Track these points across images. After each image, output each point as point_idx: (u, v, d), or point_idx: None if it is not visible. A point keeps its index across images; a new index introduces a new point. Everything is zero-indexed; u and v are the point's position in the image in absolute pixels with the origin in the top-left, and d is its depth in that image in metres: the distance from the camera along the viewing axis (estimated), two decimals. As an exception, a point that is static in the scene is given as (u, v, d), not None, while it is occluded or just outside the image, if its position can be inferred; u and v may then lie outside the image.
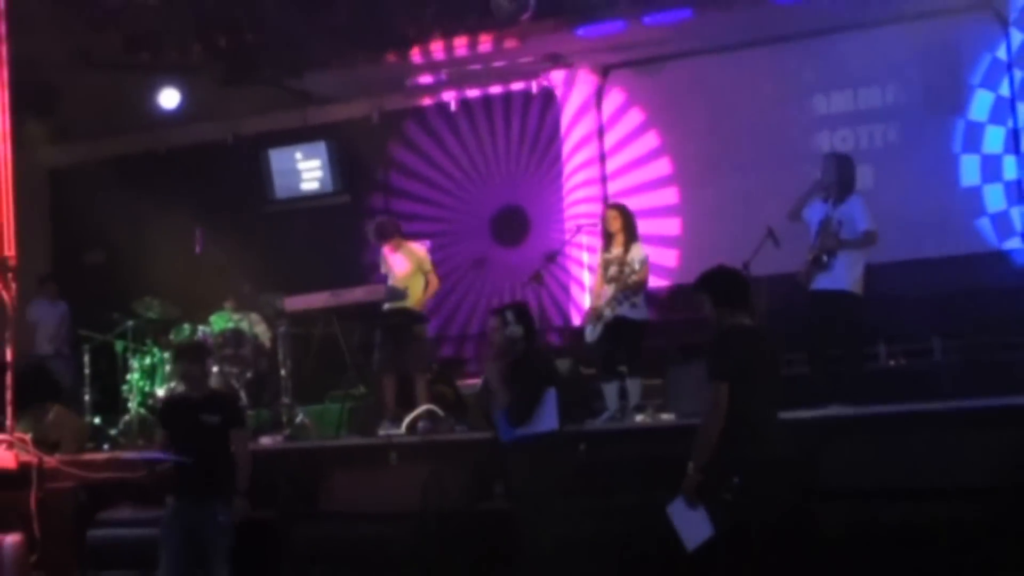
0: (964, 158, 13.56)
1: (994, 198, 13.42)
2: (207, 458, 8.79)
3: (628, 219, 11.20)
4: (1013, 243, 13.32)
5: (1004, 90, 13.42)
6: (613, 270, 10.95)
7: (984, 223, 13.44)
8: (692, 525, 7.27)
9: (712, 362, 7.29)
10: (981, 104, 13.52)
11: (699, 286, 7.62)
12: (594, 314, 11.05)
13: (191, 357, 9.20)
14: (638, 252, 10.91)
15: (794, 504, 7.49)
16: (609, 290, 10.93)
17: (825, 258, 10.22)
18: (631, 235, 11.09)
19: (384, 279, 12.09)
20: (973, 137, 13.54)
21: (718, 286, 7.57)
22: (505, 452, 8.50)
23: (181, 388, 10.78)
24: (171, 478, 8.99)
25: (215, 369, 12.39)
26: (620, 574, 8.88)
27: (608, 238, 11.22)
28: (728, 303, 7.46)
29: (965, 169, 13.54)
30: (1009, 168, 13.42)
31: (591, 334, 10.99)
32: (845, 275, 10.22)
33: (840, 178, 10.44)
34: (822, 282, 10.26)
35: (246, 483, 8.91)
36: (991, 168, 13.47)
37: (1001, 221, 13.41)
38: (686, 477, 7.25)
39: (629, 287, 10.73)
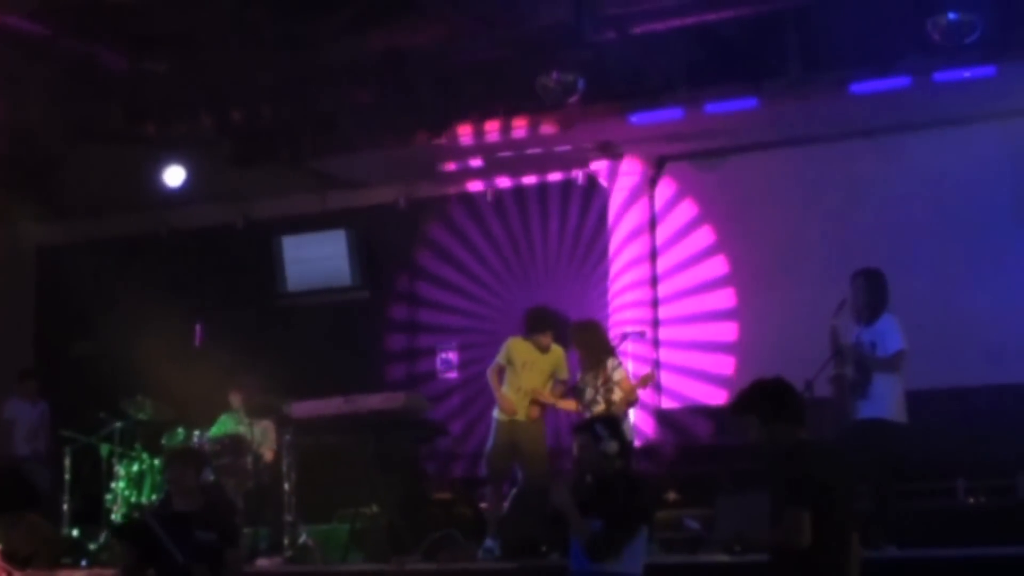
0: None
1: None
2: None
3: (581, 340, 11.65)
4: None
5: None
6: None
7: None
8: None
9: (789, 484, 6.77)
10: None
11: (740, 408, 7.13)
12: None
13: (184, 462, 8.99)
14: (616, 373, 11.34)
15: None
16: None
17: (860, 383, 10.32)
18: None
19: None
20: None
21: (764, 402, 7.05)
22: None
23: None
24: None
25: (211, 479, 12.28)
26: None
27: None
28: (780, 418, 6.97)
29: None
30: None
31: None
32: (886, 401, 10.31)
33: (870, 299, 10.58)
34: (864, 410, 10.34)
35: None
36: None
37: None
38: None
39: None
